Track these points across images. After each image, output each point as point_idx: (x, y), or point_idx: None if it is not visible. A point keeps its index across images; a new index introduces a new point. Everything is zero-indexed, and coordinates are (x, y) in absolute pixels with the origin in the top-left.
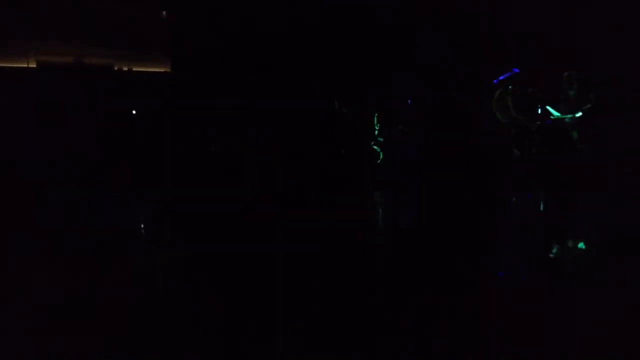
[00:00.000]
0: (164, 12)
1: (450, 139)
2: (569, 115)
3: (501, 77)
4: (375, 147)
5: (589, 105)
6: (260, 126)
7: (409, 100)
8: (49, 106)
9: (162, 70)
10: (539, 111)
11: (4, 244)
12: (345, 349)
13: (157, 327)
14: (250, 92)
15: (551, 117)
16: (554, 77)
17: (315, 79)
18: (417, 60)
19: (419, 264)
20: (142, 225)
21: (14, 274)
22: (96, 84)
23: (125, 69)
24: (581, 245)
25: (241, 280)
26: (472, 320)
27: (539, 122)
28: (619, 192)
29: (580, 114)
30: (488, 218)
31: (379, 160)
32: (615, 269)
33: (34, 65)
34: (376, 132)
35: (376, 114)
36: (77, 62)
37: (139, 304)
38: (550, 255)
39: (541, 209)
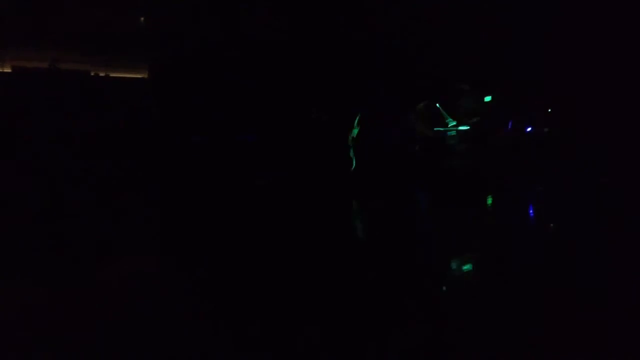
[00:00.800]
0: (142, 18)
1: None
2: (452, 129)
3: None
4: (351, 153)
5: (477, 119)
6: (239, 131)
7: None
8: (24, 112)
9: (139, 76)
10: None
11: None
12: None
13: (153, 329)
14: (228, 99)
15: (436, 129)
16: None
17: (295, 84)
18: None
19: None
20: (119, 230)
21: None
22: (72, 90)
23: (101, 74)
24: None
25: (227, 288)
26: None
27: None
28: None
29: (466, 127)
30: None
31: (353, 168)
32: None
33: (9, 70)
34: (352, 136)
35: (358, 117)
36: (53, 67)
37: (133, 307)
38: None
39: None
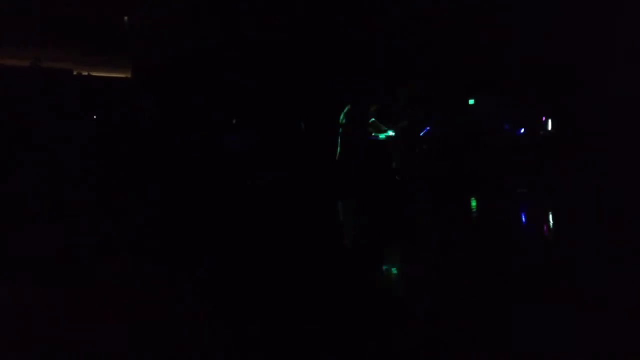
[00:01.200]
0: (126, 18)
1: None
2: (382, 134)
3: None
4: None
5: (405, 123)
6: (220, 132)
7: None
8: (5, 110)
9: (122, 75)
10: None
11: None
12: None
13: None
14: (211, 99)
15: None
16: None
17: (278, 81)
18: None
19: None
20: (104, 230)
21: None
22: (54, 89)
23: (85, 73)
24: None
25: (226, 287)
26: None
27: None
28: None
29: (391, 132)
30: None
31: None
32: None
33: None
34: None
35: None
36: (35, 66)
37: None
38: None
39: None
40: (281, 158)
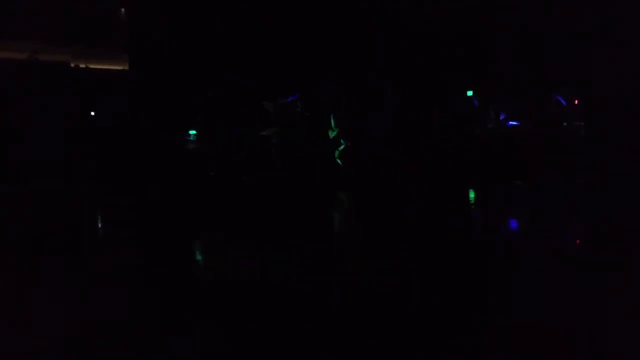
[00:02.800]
0: (123, 10)
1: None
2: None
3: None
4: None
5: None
6: (216, 123)
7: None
8: (2, 103)
9: (120, 68)
10: None
11: None
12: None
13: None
14: (207, 90)
15: None
16: None
17: (273, 75)
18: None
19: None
20: (104, 223)
21: None
22: (52, 81)
23: (82, 66)
24: None
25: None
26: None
27: None
28: None
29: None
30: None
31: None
32: None
33: None
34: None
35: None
36: (32, 58)
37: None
38: None
39: None
40: (277, 156)
